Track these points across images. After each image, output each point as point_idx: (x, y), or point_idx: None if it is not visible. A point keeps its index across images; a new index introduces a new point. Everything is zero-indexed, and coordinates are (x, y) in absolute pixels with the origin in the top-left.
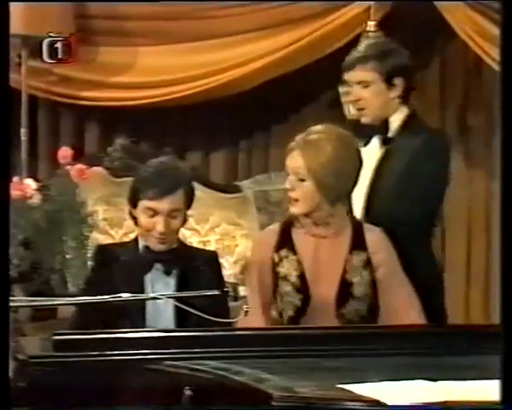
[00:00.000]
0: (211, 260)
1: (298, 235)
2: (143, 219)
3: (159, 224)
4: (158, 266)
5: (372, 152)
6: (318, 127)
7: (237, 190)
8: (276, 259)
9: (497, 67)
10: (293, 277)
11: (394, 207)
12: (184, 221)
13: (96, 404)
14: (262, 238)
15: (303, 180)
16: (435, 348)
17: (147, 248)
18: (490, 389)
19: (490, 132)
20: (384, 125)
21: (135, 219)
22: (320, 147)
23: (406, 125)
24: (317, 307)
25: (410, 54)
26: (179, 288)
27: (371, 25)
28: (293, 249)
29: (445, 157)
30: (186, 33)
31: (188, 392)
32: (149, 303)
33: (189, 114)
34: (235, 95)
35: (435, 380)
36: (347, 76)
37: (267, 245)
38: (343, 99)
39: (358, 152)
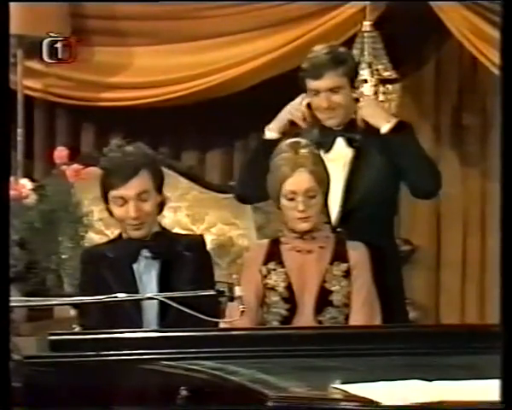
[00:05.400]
0: (197, 244)
1: (285, 250)
2: (116, 210)
3: (130, 210)
4: (145, 252)
5: (340, 154)
6: (295, 142)
7: (233, 190)
8: (265, 271)
9: (491, 67)
10: (281, 287)
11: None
12: (161, 205)
13: (91, 404)
14: (251, 252)
15: (313, 197)
16: (430, 347)
17: (130, 239)
18: (485, 389)
19: (485, 132)
20: (350, 125)
21: (112, 214)
22: (317, 159)
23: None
24: (300, 317)
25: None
26: (163, 273)
27: (367, 25)
28: (281, 263)
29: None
30: (182, 33)
31: (183, 392)
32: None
33: (184, 114)
34: (230, 95)
35: (430, 380)
36: (316, 84)
37: (256, 258)
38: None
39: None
